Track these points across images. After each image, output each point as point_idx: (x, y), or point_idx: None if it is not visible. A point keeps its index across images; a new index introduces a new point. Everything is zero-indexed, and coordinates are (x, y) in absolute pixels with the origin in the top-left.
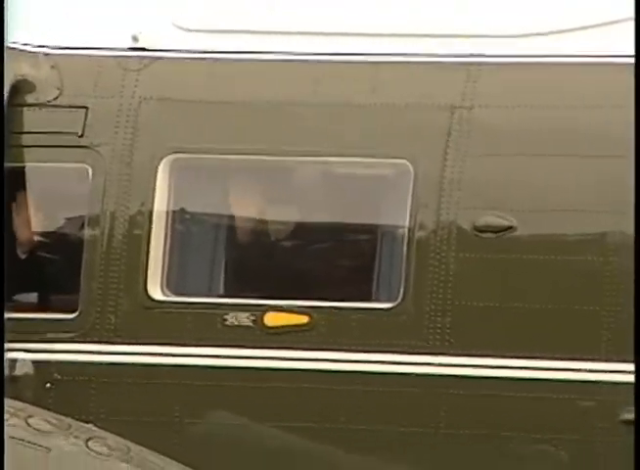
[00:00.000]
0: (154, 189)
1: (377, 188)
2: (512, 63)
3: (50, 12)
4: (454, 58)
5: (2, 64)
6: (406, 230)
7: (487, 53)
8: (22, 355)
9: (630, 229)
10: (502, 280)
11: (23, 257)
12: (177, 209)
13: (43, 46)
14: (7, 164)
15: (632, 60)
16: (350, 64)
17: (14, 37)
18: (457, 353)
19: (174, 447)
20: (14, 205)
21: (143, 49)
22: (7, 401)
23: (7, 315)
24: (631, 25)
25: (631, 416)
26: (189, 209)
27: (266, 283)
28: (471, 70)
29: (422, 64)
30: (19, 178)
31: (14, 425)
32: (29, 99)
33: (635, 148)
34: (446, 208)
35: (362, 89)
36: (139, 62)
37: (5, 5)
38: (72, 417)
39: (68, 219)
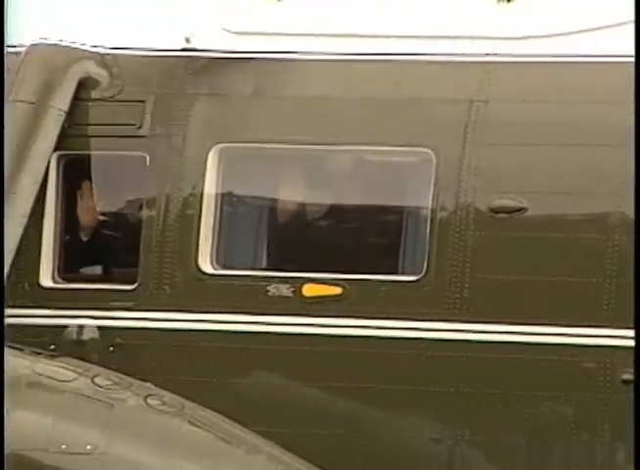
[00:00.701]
0: (204, 174)
1: (403, 174)
2: (523, 62)
3: (112, 15)
4: (472, 57)
5: (2, 64)
6: (429, 211)
7: (502, 52)
8: (89, 322)
9: (628, 210)
10: (514, 255)
11: (89, 235)
12: (224, 192)
13: (107, 47)
14: (74, 153)
15: (631, 59)
16: (379, 62)
17: (79, 38)
18: (474, 320)
19: (223, 404)
20: (80, 190)
21: (194, 50)
22: (75, 362)
23: (77, 286)
24: (626, 28)
25: (629, 376)
26: (235, 192)
27: (304, 258)
28: (487, 68)
29: (444, 62)
30: (84, 166)
31: (82, 383)
32: (94, 94)
33: (635, 147)
34: (464, 191)
35: (389, 85)
36: (191, 61)
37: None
38: (133, 377)
39: (129, 202)
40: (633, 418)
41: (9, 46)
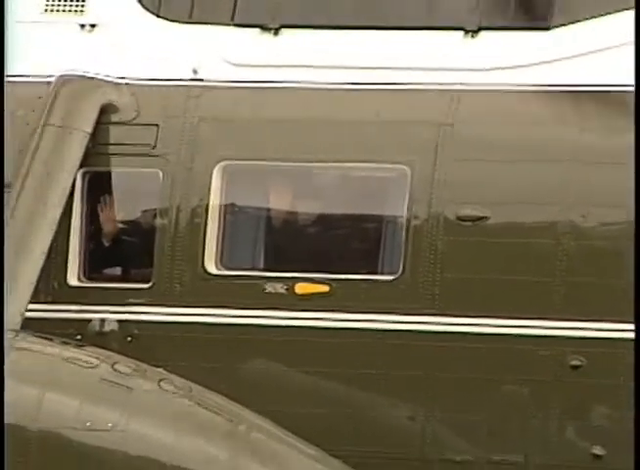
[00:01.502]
0: (209, 188)
1: (382, 187)
2: (485, 90)
3: (127, 49)
4: (440, 85)
5: (2, 74)
6: (405, 220)
7: (467, 82)
8: (109, 316)
9: (575, 218)
10: (479, 258)
11: (110, 241)
12: (227, 203)
13: (124, 78)
14: (97, 169)
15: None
16: (361, 91)
17: (101, 71)
18: (444, 314)
19: (226, 388)
20: (102, 202)
21: (201, 80)
22: (96, 350)
23: (99, 285)
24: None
25: (578, 363)
26: (236, 203)
27: (296, 260)
28: (453, 96)
29: (416, 90)
30: (105, 181)
31: (104, 369)
32: (114, 118)
33: (635, 152)
34: (435, 202)
35: (371, 110)
36: (198, 90)
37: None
38: (147, 363)
39: (144, 212)
40: (633, 418)
41: (38, 76)
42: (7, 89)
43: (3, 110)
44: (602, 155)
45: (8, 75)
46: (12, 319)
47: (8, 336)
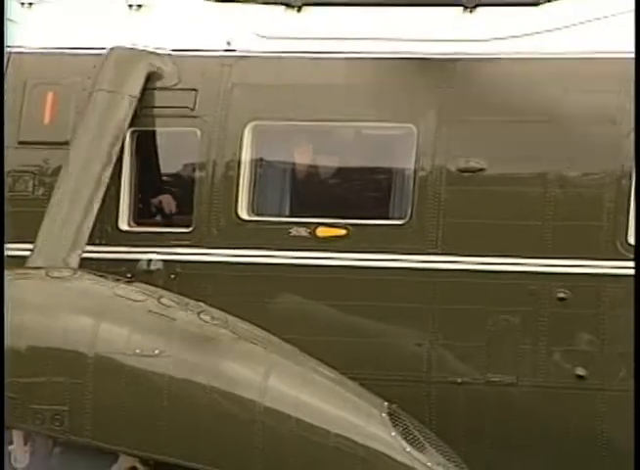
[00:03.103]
0: (241, 145)
1: (392, 142)
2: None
3: (170, 25)
4: (443, 55)
5: (2, 64)
6: (413, 171)
7: (463, 51)
8: (155, 256)
9: (562, 169)
10: (477, 204)
11: (155, 191)
12: (257, 158)
13: (167, 49)
14: (143, 129)
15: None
16: (374, 59)
17: (147, 43)
18: (447, 254)
19: (258, 319)
20: (148, 157)
21: (234, 50)
22: (144, 286)
23: (146, 229)
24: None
25: (563, 295)
26: (265, 158)
27: (318, 207)
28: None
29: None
30: (151, 139)
31: (151, 303)
32: (158, 84)
33: (635, 149)
34: (439, 155)
35: (383, 77)
36: (231, 59)
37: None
38: (189, 297)
39: (184, 166)
40: (633, 418)
41: (93, 48)
42: (67, 60)
43: (3, 109)
44: (582, 114)
45: (67, 48)
46: (72, 259)
47: (66, 273)
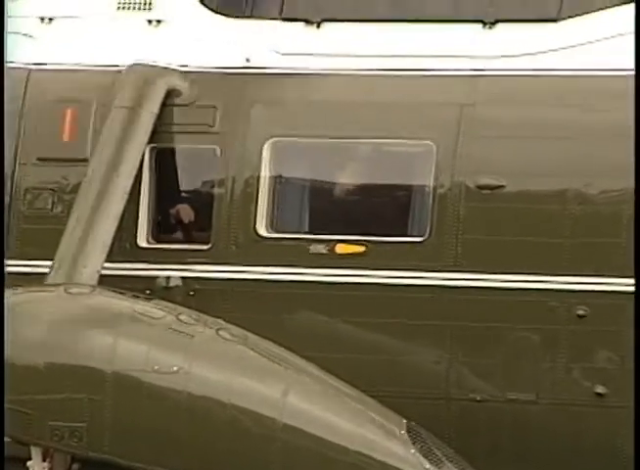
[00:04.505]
0: (260, 161)
1: (412, 160)
2: (505, 75)
3: (189, 42)
4: (462, 71)
5: (2, 70)
6: (432, 188)
7: (482, 68)
8: (174, 273)
9: (580, 186)
10: (496, 221)
11: (174, 207)
12: (276, 174)
13: (187, 66)
14: (163, 145)
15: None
16: (389, 77)
17: (166, 60)
18: (465, 271)
19: (276, 337)
20: (167, 174)
21: (253, 67)
22: (162, 303)
23: (165, 246)
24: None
25: (583, 312)
26: (284, 174)
27: (337, 224)
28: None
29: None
30: (170, 155)
31: (169, 319)
32: (177, 101)
33: (635, 149)
34: (458, 173)
35: (402, 93)
36: (250, 76)
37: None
38: (208, 314)
39: (204, 182)
40: (634, 418)
41: (112, 65)
42: (86, 77)
43: (3, 109)
44: (601, 131)
45: (86, 64)
46: (90, 276)
47: (84, 290)
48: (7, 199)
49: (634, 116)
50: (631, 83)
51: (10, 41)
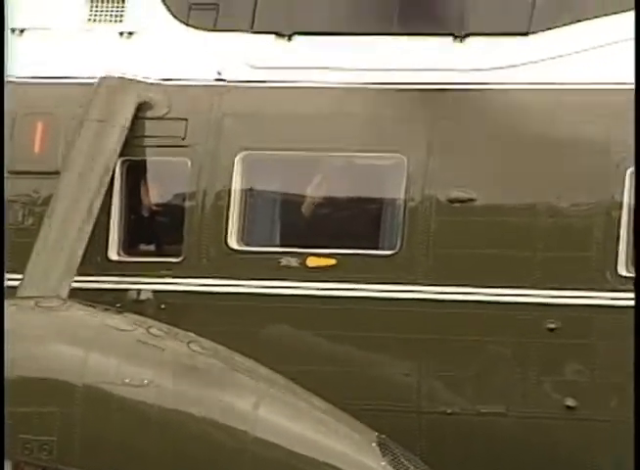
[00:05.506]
0: (232, 174)
1: (382, 172)
2: (475, 89)
3: (161, 54)
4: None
5: (2, 75)
6: (402, 201)
7: (453, 81)
8: (145, 286)
9: (551, 199)
10: (467, 235)
11: (145, 220)
12: (247, 187)
13: (158, 79)
14: (134, 158)
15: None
16: (360, 90)
17: (137, 72)
18: (436, 284)
19: (246, 348)
20: (138, 187)
21: (224, 80)
22: (133, 316)
23: (136, 259)
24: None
25: (553, 326)
26: (255, 187)
27: (307, 237)
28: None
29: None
30: (141, 168)
31: (140, 332)
32: (148, 114)
33: (635, 151)
34: (428, 186)
35: (373, 107)
36: (222, 89)
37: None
38: (179, 327)
39: (175, 195)
40: (633, 418)
41: (82, 77)
42: (57, 89)
43: (3, 112)
44: (571, 144)
45: (57, 77)
46: (61, 289)
47: (55, 303)
48: None
49: (634, 116)
50: (602, 97)
51: None
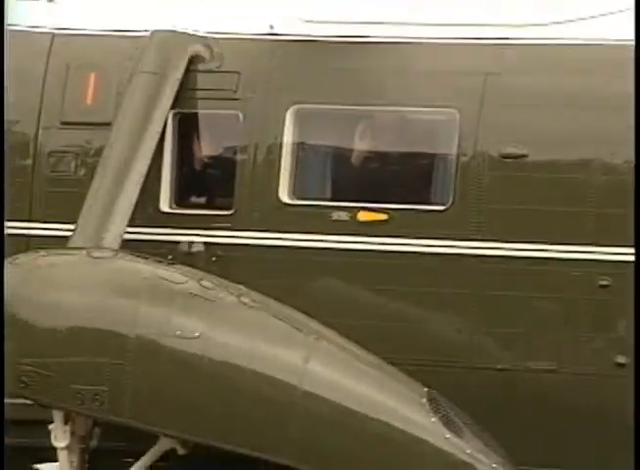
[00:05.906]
0: (283, 128)
1: (434, 127)
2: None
3: (214, 8)
4: (488, 40)
5: (2, 57)
6: (455, 156)
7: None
8: (197, 239)
9: (605, 156)
10: (519, 190)
11: (197, 173)
12: (299, 141)
13: (211, 32)
14: (186, 111)
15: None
16: (414, 44)
17: (190, 26)
18: (488, 239)
19: (298, 303)
20: (190, 139)
21: (276, 34)
22: (185, 268)
23: (188, 211)
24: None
25: (606, 283)
26: (307, 141)
27: (359, 192)
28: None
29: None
30: (194, 121)
31: (191, 285)
32: (201, 67)
33: (635, 149)
34: (481, 141)
35: (425, 62)
36: (273, 43)
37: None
38: (230, 280)
39: (227, 148)
40: (633, 419)
41: (137, 30)
42: (109, 41)
43: (3, 104)
44: (625, 102)
45: (110, 29)
46: (112, 240)
47: (107, 254)
48: (29, 161)
49: (634, 113)
50: None
51: (33, 5)
